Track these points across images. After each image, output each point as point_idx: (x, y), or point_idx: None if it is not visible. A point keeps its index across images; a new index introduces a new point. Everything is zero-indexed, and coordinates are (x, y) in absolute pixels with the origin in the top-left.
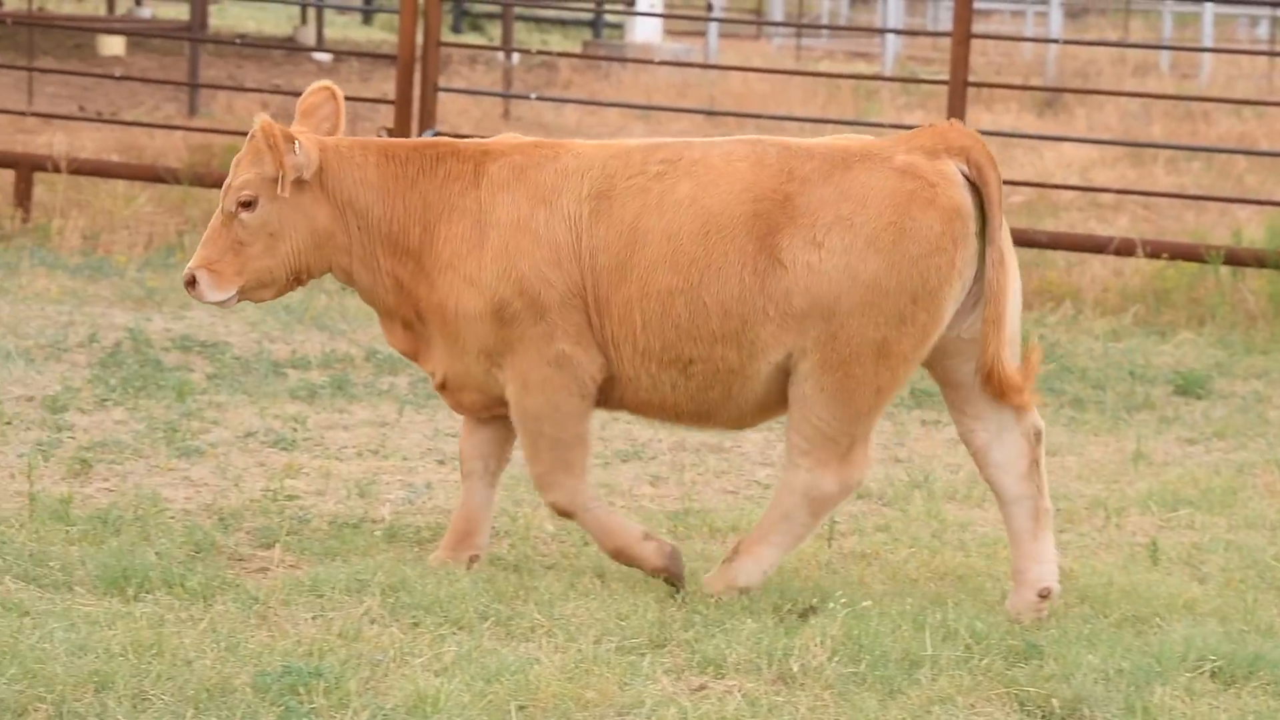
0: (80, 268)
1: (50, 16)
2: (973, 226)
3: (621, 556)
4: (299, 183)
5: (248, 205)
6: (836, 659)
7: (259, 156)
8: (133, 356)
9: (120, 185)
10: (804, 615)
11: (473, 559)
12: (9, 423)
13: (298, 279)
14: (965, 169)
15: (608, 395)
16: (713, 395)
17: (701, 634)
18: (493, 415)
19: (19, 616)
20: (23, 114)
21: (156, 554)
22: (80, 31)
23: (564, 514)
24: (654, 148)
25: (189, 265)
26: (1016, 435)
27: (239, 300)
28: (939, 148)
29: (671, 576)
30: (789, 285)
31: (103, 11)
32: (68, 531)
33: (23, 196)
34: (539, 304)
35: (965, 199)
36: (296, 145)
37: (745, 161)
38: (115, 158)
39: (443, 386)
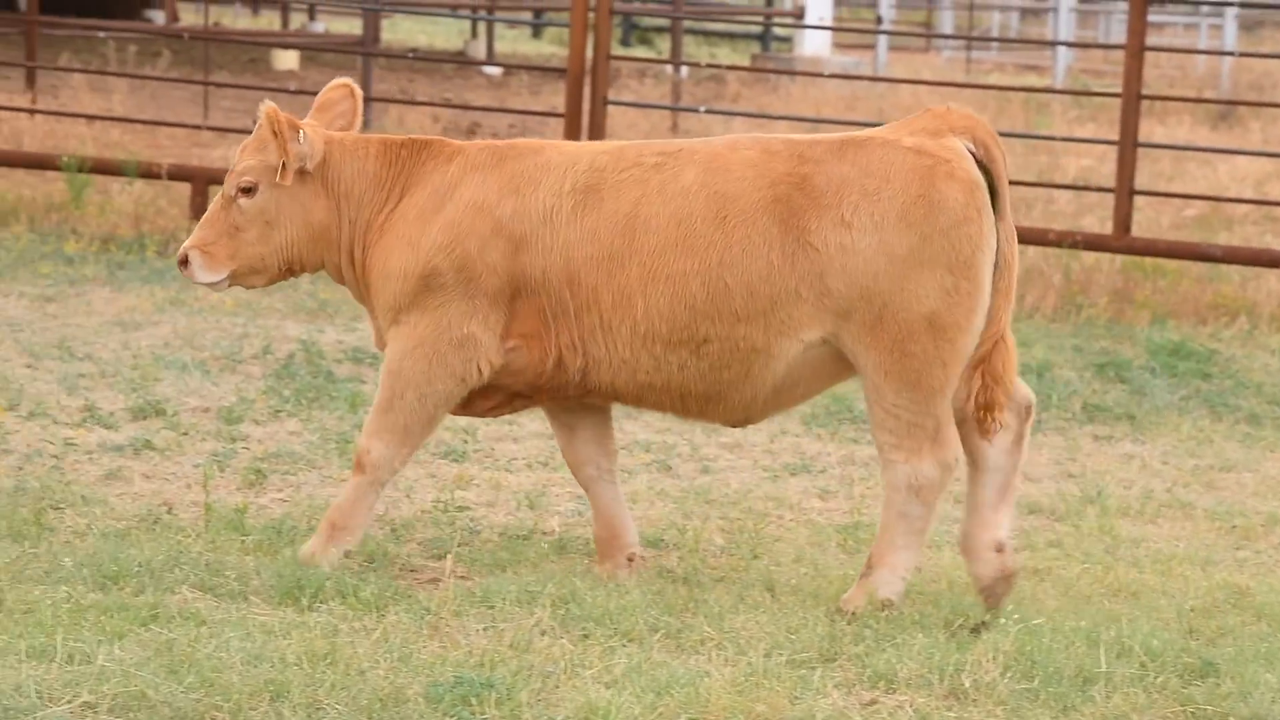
0: None
1: (226, 31)
2: (988, 199)
3: (329, 531)
4: (301, 174)
5: (248, 191)
6: (1009, 675)
7: (264, 144)
8: (306, 368)
9: None
10: (975, 630)
11: (630, 558)
12: (185, 433)
13: (289, 269)
14: (972, 147)
15: (589, 380)
16: (727, 375)
17: (872, 648)
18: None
19: (196, 626)
20: (198, 128)
21: (333, 563)
22: (255, 46)
23: (360, 466)
24: (648, 144)
25: (184, 244)
26: (1010, 408)
27: (230, 285)
28: (942, 128)
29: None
30: (823, 267)
31: (277, 26)
32: (243, 541)
33: (198, 209)
34: (474, 285)
35: (978, 173)
36: (301, 135)
37: (752, 150)
38: None
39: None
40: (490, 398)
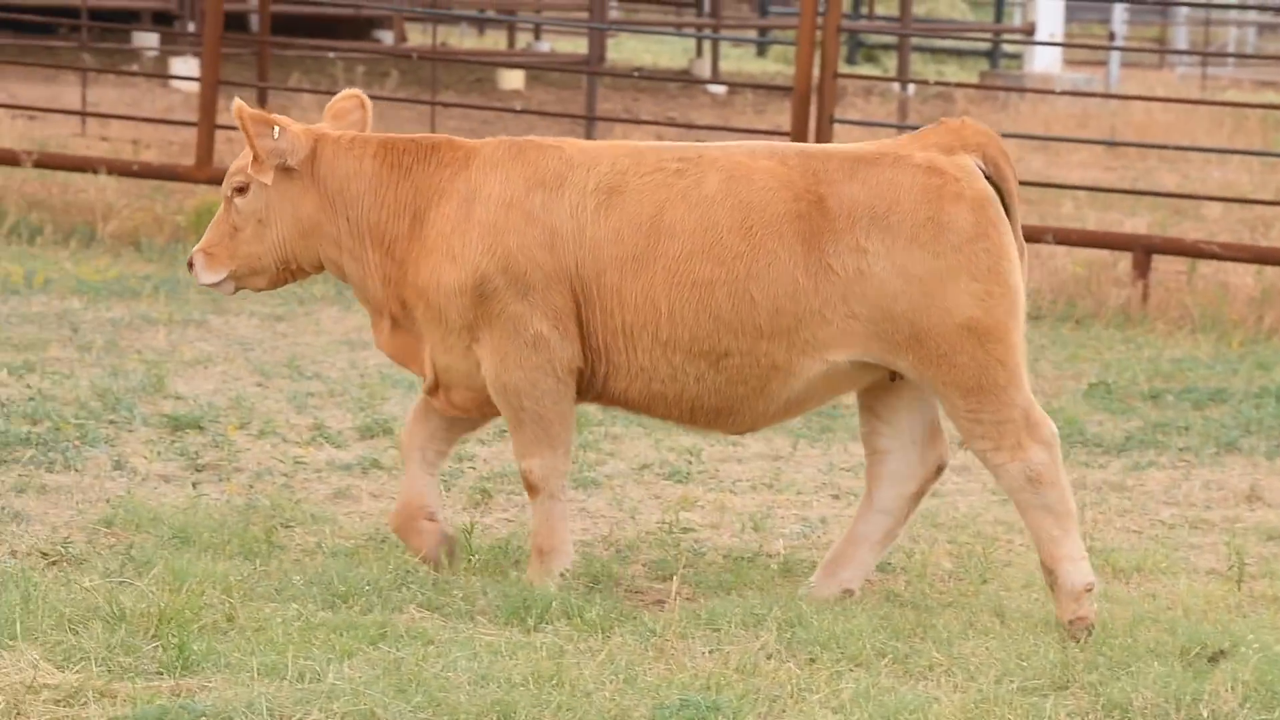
0: None
1: (453, 51)
2: (1002, 211)
3: (539, 557)
4: (287, 171)
5: (240, 190)
6: (1249, 706)
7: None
8: None
9: None
10: (1213, 659)
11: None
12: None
13: (288, 269)
14: (981, 165)
15: (607, 386)
16: (742, 390)
17: (1106, 676)
18: (482, 415)
19: (424, 645)
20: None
21: (556, 585)
22: (481, 66)
23: (531, 488)
24: (665, 148)
25: (195, 247)
26: (920, 457)
27: (236, 288)
28: (954, 144)
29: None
30: (844, 291)
31: (503, 46)
32: (470, 561)
33: None
34: (523, 282)
35: (988, 188)
36: (275, 130)
37: (771, 160)
38: None
39: (433, 388)
40: None
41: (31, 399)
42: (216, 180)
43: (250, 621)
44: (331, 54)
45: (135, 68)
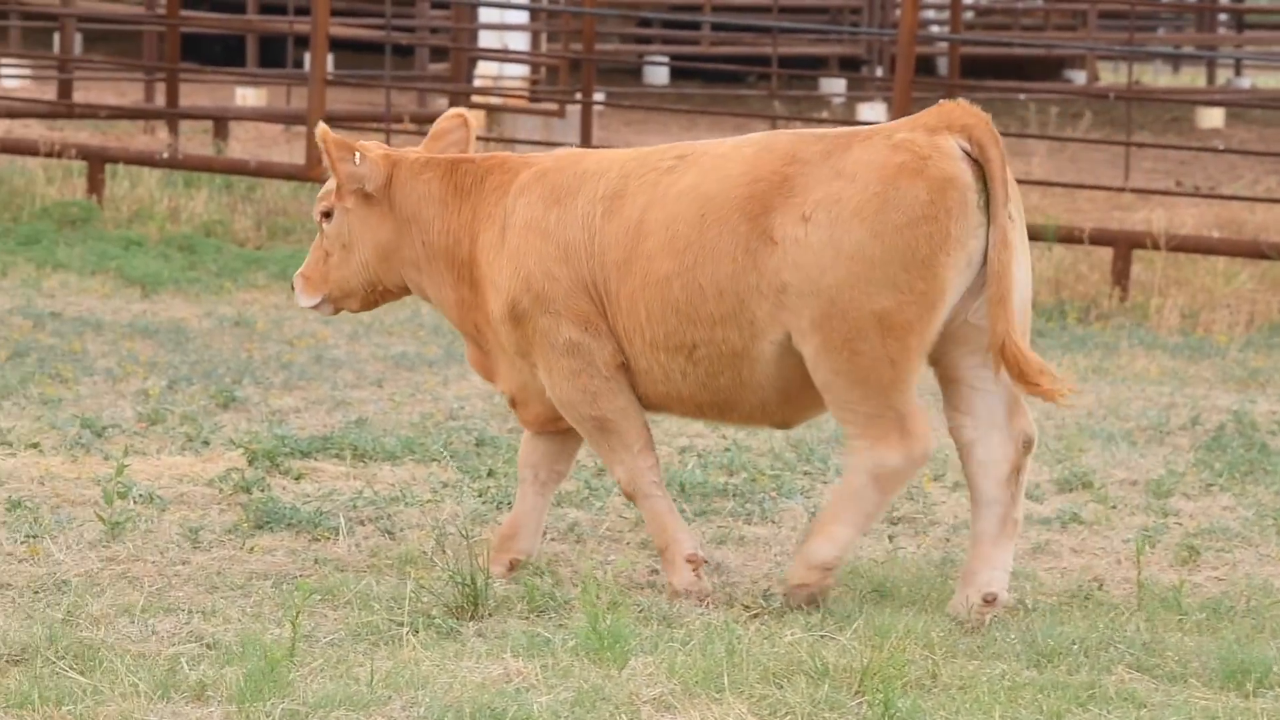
0: (1180, 347)
1: (1148, 90)
2: (973, 200)
3: (663, 558)
4: (367, 196)
5: (326, 216)
6: None
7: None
8: (1237, 440)
9: (1220, 262)
10: None
11: (513, 563)
12: (1114, 507)
13: (375, 291)
14: (967, 146)
15: (637, 393)
16: (723, 382)
17: None
18: (559, 429)
19: (1135, 708)
20: (1120, 190)
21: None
22: (1178, 104)
23: (628, 495)
24: (673, 147)
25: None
26: (1004, 438)
27: (334, 309)
28: (940, 125)
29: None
30: (778, 262)
31: (1201, 83)
32: (1180, 621)
33: (1120, 274)
34: (544, 298)
35: (960, 171)
36: (356, 156)
37: (752, 148)
38: (1215, 234)
39: (512, 404)
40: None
41: (727, 449)
42: None
43: (954, 679)
44: (1022, 95)
45: (824, 114)
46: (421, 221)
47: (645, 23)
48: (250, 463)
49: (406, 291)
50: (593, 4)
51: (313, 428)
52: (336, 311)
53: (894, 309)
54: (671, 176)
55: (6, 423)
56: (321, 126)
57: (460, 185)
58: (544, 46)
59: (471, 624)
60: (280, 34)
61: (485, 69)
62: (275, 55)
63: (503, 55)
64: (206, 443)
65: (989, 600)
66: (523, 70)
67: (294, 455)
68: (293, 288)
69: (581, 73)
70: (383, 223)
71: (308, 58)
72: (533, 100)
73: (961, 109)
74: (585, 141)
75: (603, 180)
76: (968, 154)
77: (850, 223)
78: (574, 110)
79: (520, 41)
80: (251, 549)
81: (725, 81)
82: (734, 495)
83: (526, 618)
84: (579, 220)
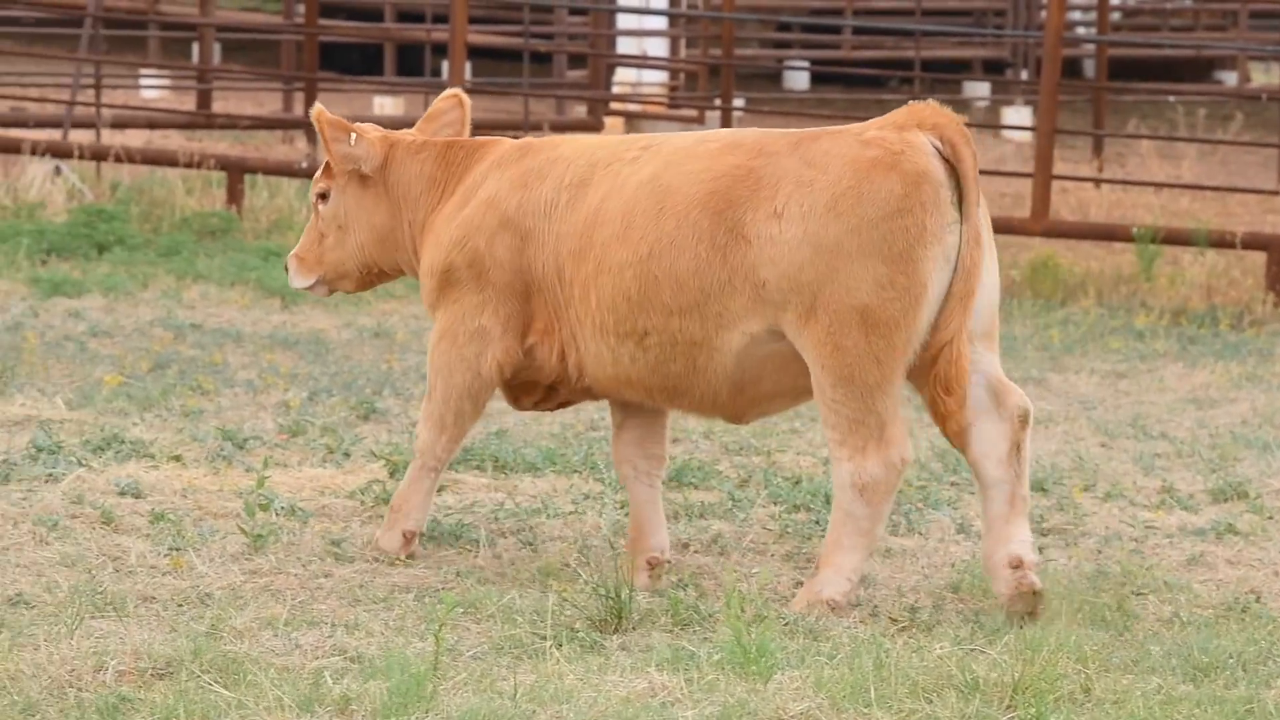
0: None
1: None
2: (946, 195)
3: (390, 514)
4: (363, 178)
5: (323, 197)
6: None
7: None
8: None
9: None
10: None
11: (651, 562)
12: (1270, 517)
13: (369, 273)
14: (938, 144)
15: (583, 376)
16: (674, 369)
17: None
18: (549, 407)
19: None
20: (1273, 193)
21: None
22: None
23: (416, 451)
24: (641, 137)
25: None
26: (996, 419)
27: (328, 290)
28: (910, 122)
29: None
30: (754, 259)
31: None
32: None
33: (1274, 279)
34: (484, 279)
35: (933, 167)
36: (352, 137)
37: (718, 143)
38: None
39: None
40: (530, 393)
41: None
42: (1053, 233)
43: (1108, 694)
44: (1171, 98)
45: (965, 119)
46: (411, 200)
47: (785, 27)
48: (391, 474)
49: (400, 273)
50: (732, 9)
51: None
52: (331, 293)
53: (877, 305)
54: (633, 167)
55: (149, 435)
56: (317, 107)
57: (451, 163)
58: (683, 52)
59: (615, 637)
60: (418, 42)
61: (624, 75)
62: (413, 64)
63: (641, 61)
64: (347, 454)
65: (1015, 564)
66: (661, 76)
67: None
68: (286, 269)
69: (720, 78)
70: (378, 204)
71: (445, 66)
72: (671, 107)
73: (931, 109)
74: None
75: (571, 167)
76: (938, 152)
77: (825, 217)
78: (713, 117)
79: (659, 47)
80: (393, 562)
81: (866, 86)
82: None
83: (671, 631)
84: (541, 207)
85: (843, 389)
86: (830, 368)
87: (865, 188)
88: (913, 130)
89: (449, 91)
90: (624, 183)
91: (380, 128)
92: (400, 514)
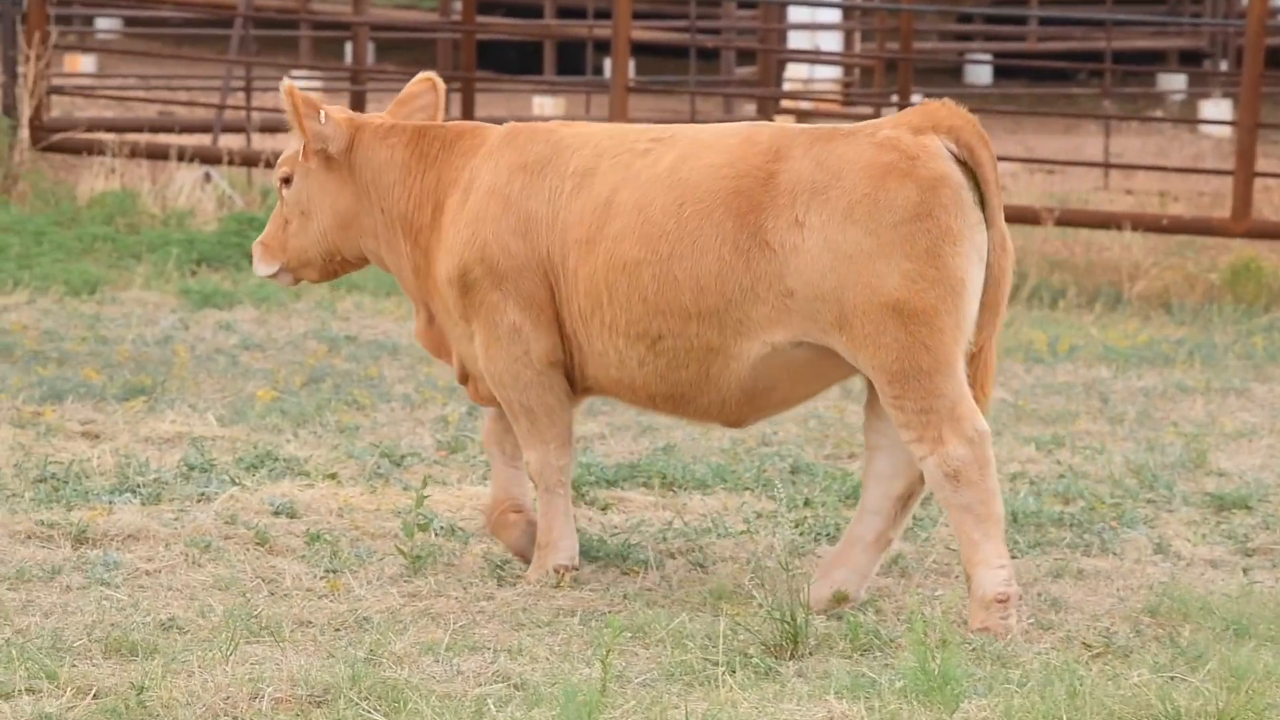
0: None
1: None
2: (968, 197)
3: (538, 552)
4: (329, 160)
5: (286, 182)
6: None
7: (293, 132)
8: None
9: None
10: None
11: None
12: None
13: (333, 261)
14: (954, 148)
15: (584, 375)
16: (685, 375)
17: None
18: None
19: None
20: None
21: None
22: None
23: (533, 480)
24: (651, 128)
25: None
26: (907, 458)
27: (293, 280)
28: (926, 125)
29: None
30: (779, 268)
31: None
32: None
33: None
34: (496, 272)
35: (950, 171)
36: (322, 114)
37: (735, 138)
38: None
39: (464, 378)
40: None
41: (1063, 476)
42: (1255, 234)
43: None
44: None
45: (1160, 113)
46: (381, 188)
47: (966, 18)
48: None
49: (365, 262)
50: (910, 1)
51: (619, 455)
52: (296, 282)
53: (908, 297)
54: (647, 159)
55: (303, 452)
56: (287, 82)
57: (425, 152)
58: (858, 46)
59: (791, 663)
60: (579, 39)
61: (795, 72)
62: (573, 62)
63: (814, 57)
64: None
65: (839, 599)
66: (835, 72)
67: (600, 484)
68: (250, 256)
69: (898, 73)
70: (342, 189)
71: (608, 64)
72: (846, 104)
73: (948, 109)
74: None
75: (576, 155)
76: (954, 156)
77: (843, 224)
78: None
79: (832, 42)
80: (558, 584)
81: (1053, 80)
82: (1071, 525)
83: (849, 657)
84: (546, 192)
85: (899, 384)
86: (880, 366)
87: (881, 195)
88: (928, 133)
89: (422, 75)
90: (637, 175)
91: (346, 109)
92: (548, 550)
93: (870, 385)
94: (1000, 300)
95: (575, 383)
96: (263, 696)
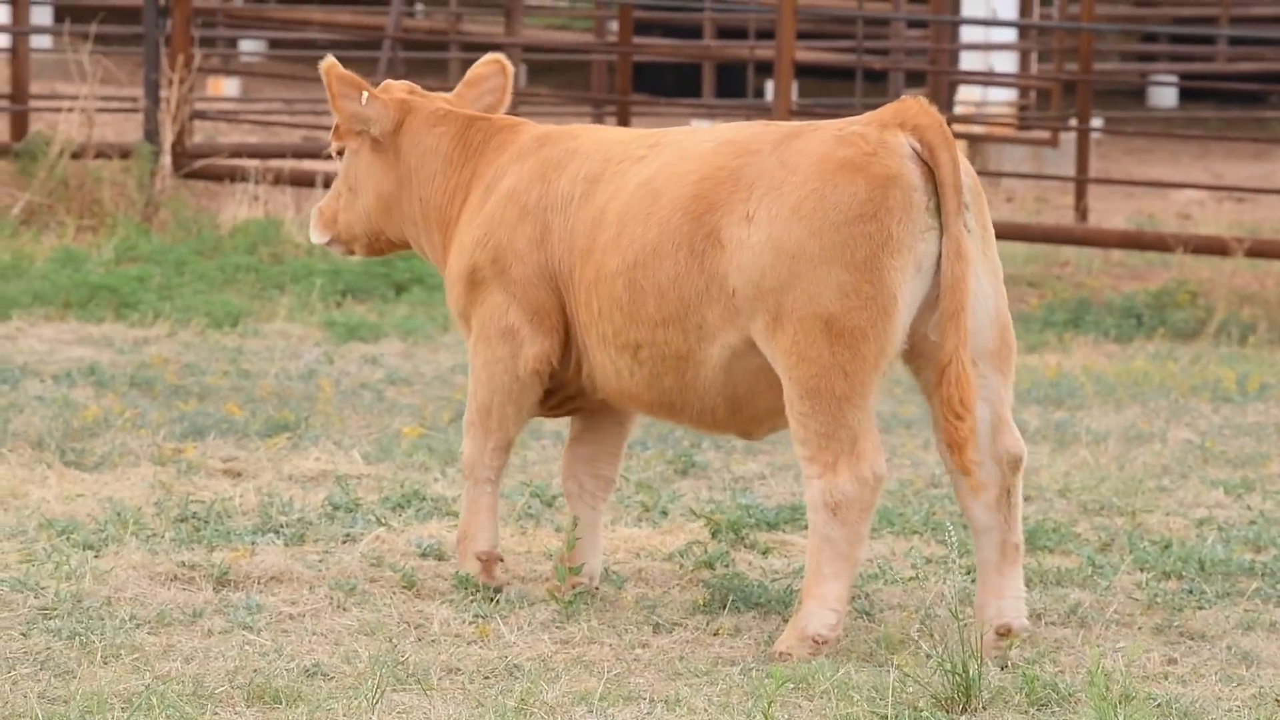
0: None
1: None
2: (919, 201)
3: (461, 544)
4: (375, 142)
5: (339, 154)
6: None
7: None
8: None
9: None
10: None
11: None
12: None
13: (378, 240)
14: (918, 146)
15: (593, 386)
16: (667, 383)
17: None
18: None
19: None
20: None
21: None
22: None
23: (464, 471)
24: (652, 133)
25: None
26: (990, 461)
27: (344, 250)
28: (894, 121)
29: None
30: (726, 264)
31: None
32: None
33: None
34: (506, 276)
35: (905, 170)
36: (364, 96)
37: (711, 142)
38: None
39: None
40: (547, 398)
41: (1253, 522)
42: None
43: None
44: None
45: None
46: (423, 176)
47: (1151, 38)
48: (713, 535)
49: (405, 245)
50: (1091, 18)
51: (779, 496)
52: (348, 253)
53: (840, 314)
54: (639, 166)
55: (451, 491)
56: (328, 59)
57: (469, 143)
58: (1034, 67)
59: (964, 717)
60: (740, 61)
61: (967, 94)
62: (733, 84)
63: (987, 78)
64: (664, 513)
65: (1002, 633)
66: (1010, 95)
67: (760, 527)
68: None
69: (1077, 96)
70: (387, 172)
71: (769, 86)
72: (1021, 128)
73: (918, 107)
74: (1081, 172)
75: (587, 162)
76: (918, 155)
77: (789, 221)
78: (1068, 139)
79: (1007, 63)
80: (716, 631)
81: (1243, 103)
82: (1263, 574)
83: (1026, 712)
84: (558, 200)
85: (809, 401)
86: (796, 379)
87: (829, 191)
88: (893, 130)
89: (490, 56)
90: (626, 183)
91: (404, 88)
92: (469, 540)
93: (930, 404)
94: (960, 308)
95: (587, 393)
96: None
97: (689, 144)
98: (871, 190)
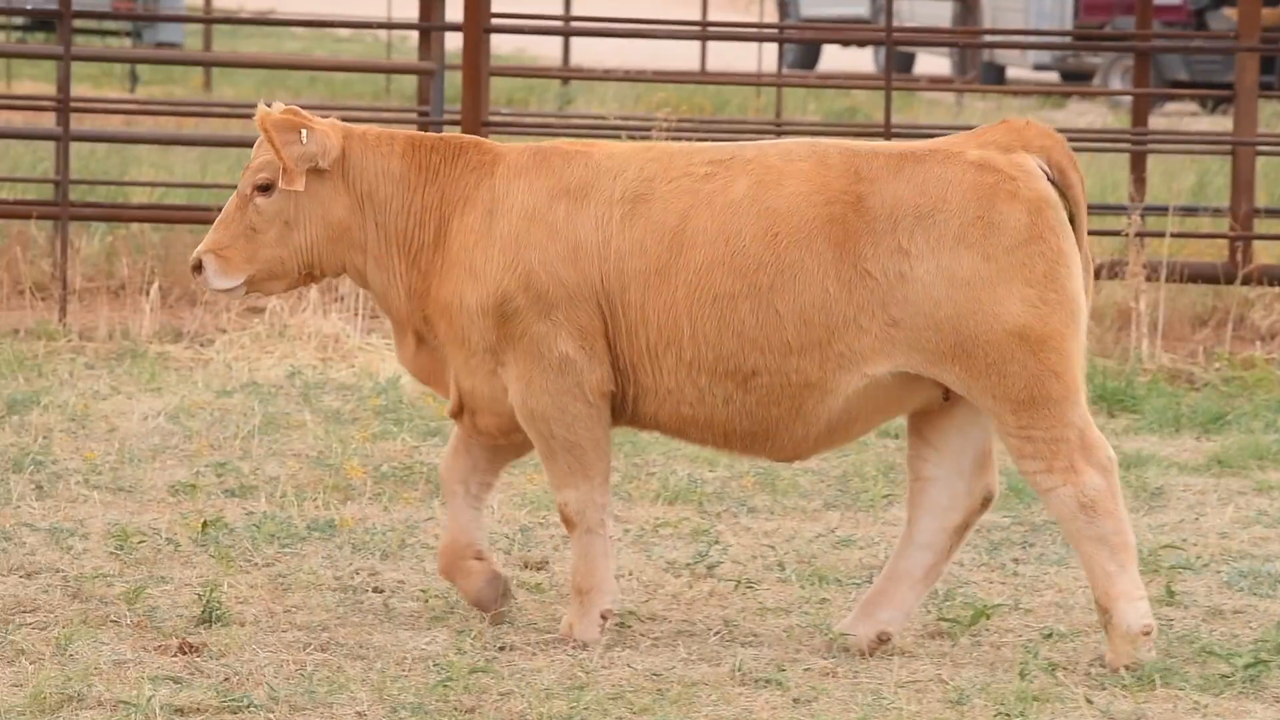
0: None
1: None
2: (1064, 217)
3: (578, 597)
4: (317, 171)
5: (264, 190)
6: None
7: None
8: None
9: None
10: None
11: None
12: None
13: (309, 273)
14: (1045, 168)
15: (638, 410)
16: (776, 412)
17: None
18: (509, 441)
19: None
20: None
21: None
22: None
23: (567, 521)
24: (698, 150)
25: (197, 249)
26: (965, 487)
27: (247, 292)
28: (1015, 144)
29: (581, 643)
30: (883, 296)
31: None
32: None
33: None
34: (545, 301)
35: (1049, 190)
36: (303, 134)
37: (807, 161)
38: None
39: (458, 411)
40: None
41: None
42: None
43: None
44: None
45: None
46: (376, 200)
47: None
48: None
49: (338, 275)
50: None
51: None
52: (261, 294)
53: (1034, 322)
54: (713, 184)
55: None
56: (260, 108)
57: (425, 164)
58: None
59: None
60: None
61: None
62: None
63: None
64: None
65: (883, 639)
66: None
67: None
68: (197, 268)
69: None
70: (335, 199)
71: None
72: None
73: (1035, 128)
74: None
75: (619, 179)
76: (1048, 175)
77: (955, 250)
78: None
79: None
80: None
81: None
82: None
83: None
84: (593, 219)
85: (1027, 413)
86: (1005, 395)
87: (993, 217)
88: (1019, 152)
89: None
90: (708, 200)
91: (333, 119)
92: (591, 594)
93: (913, 416)
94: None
95: (620, 416)
96: None
97: (775, 162)
98: (1031, 215)
